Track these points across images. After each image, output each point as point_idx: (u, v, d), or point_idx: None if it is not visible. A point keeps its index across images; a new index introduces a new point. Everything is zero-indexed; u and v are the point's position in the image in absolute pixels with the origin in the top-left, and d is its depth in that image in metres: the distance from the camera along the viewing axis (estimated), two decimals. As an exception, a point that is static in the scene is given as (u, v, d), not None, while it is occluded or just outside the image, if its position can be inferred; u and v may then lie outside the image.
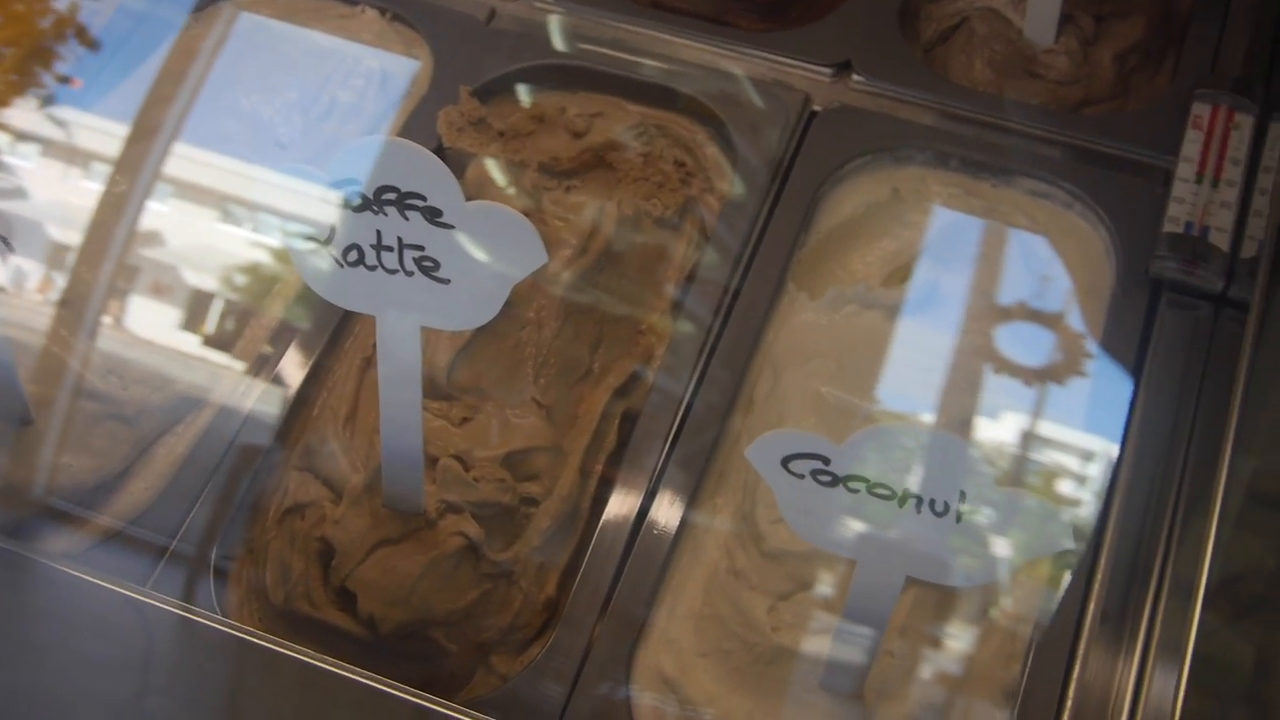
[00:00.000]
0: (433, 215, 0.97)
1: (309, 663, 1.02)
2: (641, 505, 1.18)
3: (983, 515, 0.91)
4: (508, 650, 1.13)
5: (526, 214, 1.28)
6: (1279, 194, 1.27)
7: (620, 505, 1.18)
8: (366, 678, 0.99)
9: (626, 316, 1.30)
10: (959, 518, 0.91)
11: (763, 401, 1.24)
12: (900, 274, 1.33)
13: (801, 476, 0.93)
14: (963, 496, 0.90)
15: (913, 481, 0.91)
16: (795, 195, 1.37)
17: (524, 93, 1.47)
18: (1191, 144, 1.35)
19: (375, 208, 0.97)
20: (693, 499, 1.19)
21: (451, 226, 0.97)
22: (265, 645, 1.02)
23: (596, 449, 1.22)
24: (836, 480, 0.93)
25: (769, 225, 1.35)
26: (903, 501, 0.92)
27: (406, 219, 0.98)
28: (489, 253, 0.98)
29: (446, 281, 1.00)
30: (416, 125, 1.41)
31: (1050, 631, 1.10)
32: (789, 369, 1.24)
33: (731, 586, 1.13)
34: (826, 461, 0.92)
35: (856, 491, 0.93)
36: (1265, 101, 1.37)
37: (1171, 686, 1.04)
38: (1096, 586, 1.13)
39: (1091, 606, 1.12)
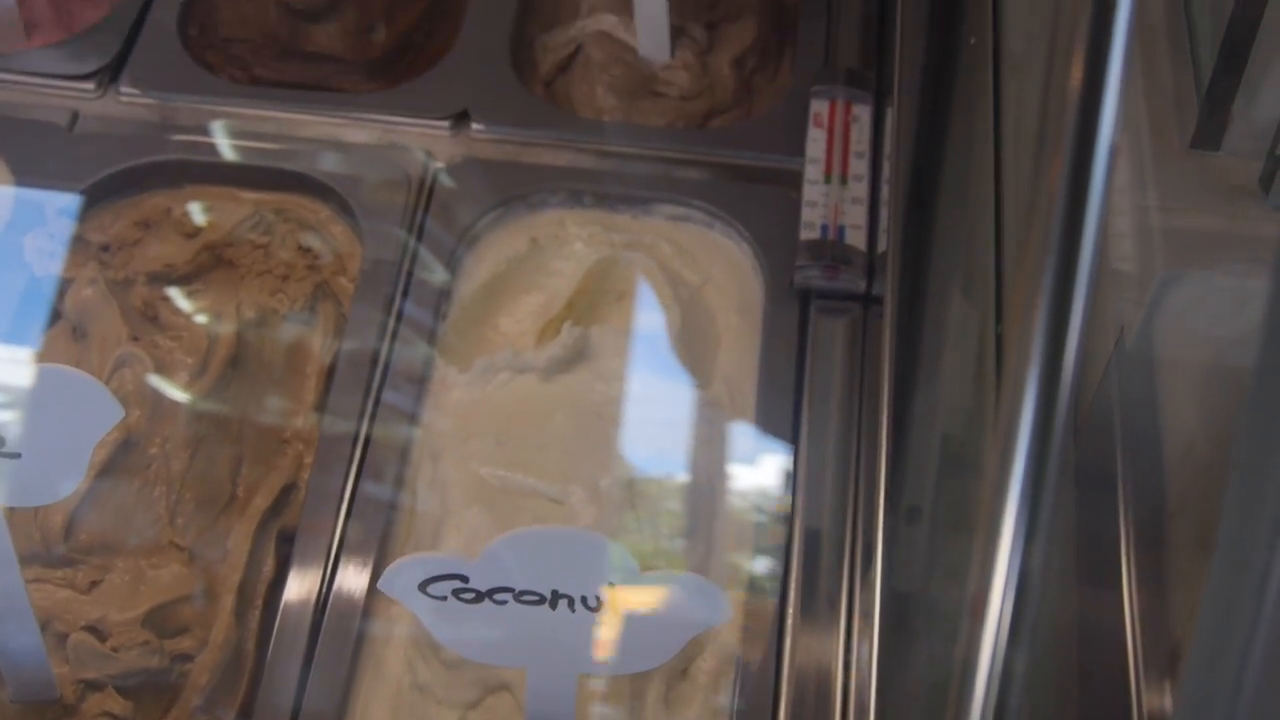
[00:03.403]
0: (-19, 387, 0.86)
1: None
2: (311, 632, 1.09)
3: (635, 603, 0.86)
4: (185, 828, 1.03)
5: (137, 339, 1.18)
6: (899, 181, 1.27)
7: (288, 638, 1.09)
8: None
9: (267, 428, 1.21)
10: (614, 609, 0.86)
11: (425, 493, 1.16)
12: (552, 327, 1.27)
13: (444, 598, 0.86)
14: (611, 586, 0.85)
15: (559, 581, 0.86)
16: (430, 263, 1.30)
17: (124, 198, 1.35)
18: (815, 143, 1.34)
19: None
20: (366, 613, 1.11)
21: (5, 396, 0.86)
22: None
23: (253, 581, 1.13)
24: (481, 595, 0.86)
25: (407, 300, 1.27)
26: (554, 603, 0.86)
27: (-47, 397, 0.86)
28: (56, 417, 0.87)
29: (16, 456, 0.89)
30: (2, 257, 1.28)
31: (748, 681, 1.07)
32: (447, 453, 1.17)
33: (418, 703, 1.06)
34: (465, 579, 0.85)
35: (504, 603, 0.86)
36: (879, 90, 1.38)
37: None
38: (789, 620, 1.11)
39: (788, 645, 1.09)
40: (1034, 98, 1.23)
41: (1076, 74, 0.64)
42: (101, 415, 0.87)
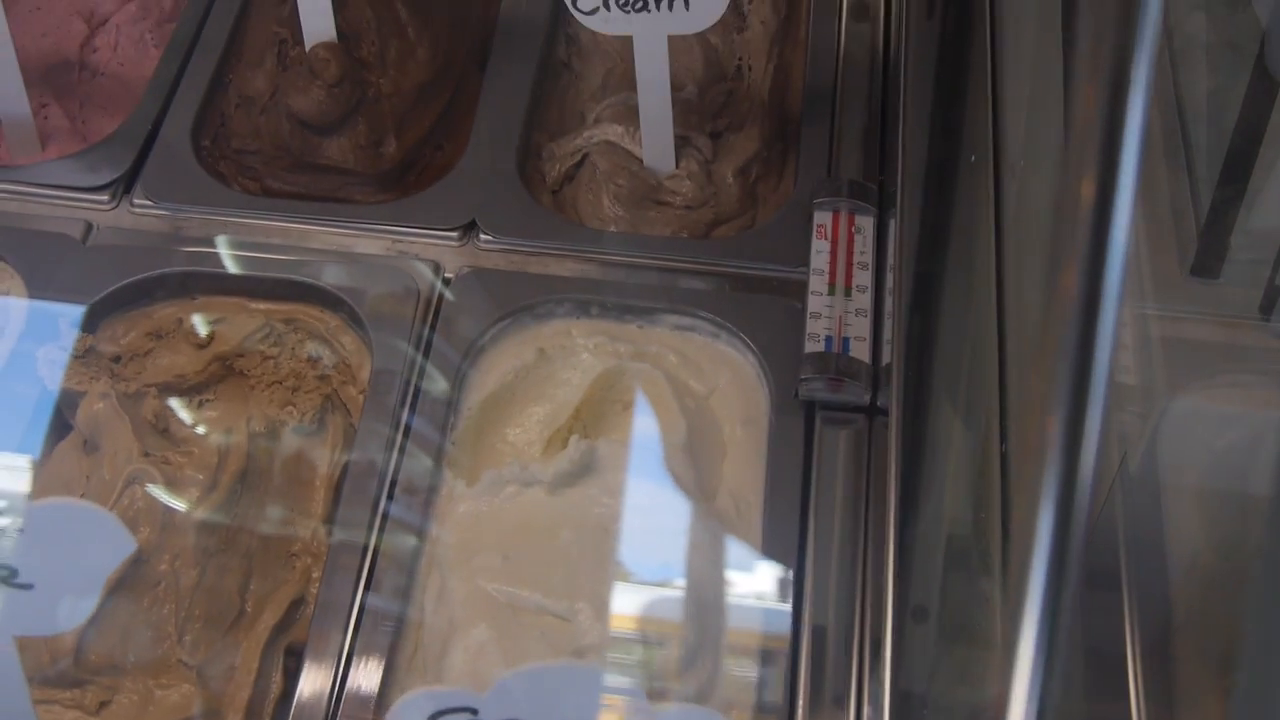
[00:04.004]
0: (-5, 520, 0.87)
1: None
2: (319, 752, 1.10)
3: (644, 735, 0.86)
4: None
5: (148, 454, 1.19)
6: (902, 293, 1.28)
7: (296, 757, 1.09)
8: None
9: (275, 541, 1.21)
10: (620, 741, 0.87)
11: (432, 609, 1.17)
12: (559, 437, 1.28)
13: (452, 730, 0.87)
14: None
15: (569, 714, 0.86)
16: (438, 375, 1.31)
17: (136, 309, 1.37)
18: (819, 255, 1.35)
19: (-72, 524, 0.87)
20: (374, 732, 1.11)
21: (19, 528, 0.87)
22: None
23: (261, 699, 1.13)
24: (489, 728, 0.86)
25: (415, 412, 1.28)
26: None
27: (-33, 529, 0.87)
28: (69, 550, 0.88)
29: (29, 587, 0.89)
30: (16, 371, 1.29)
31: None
32: (455, 569, 1.17)
33: (426, 825, 1.05)
34: (475, 712, 0.86)
35: (511, 735, 0.86)
36: (881, 200, 1.39)
37: None
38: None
39: (796, 763, 1.09)
40: (1038, 210, 1.25)
41: (1089, 188, 0.65)
42: (113, 548, 0.88)
